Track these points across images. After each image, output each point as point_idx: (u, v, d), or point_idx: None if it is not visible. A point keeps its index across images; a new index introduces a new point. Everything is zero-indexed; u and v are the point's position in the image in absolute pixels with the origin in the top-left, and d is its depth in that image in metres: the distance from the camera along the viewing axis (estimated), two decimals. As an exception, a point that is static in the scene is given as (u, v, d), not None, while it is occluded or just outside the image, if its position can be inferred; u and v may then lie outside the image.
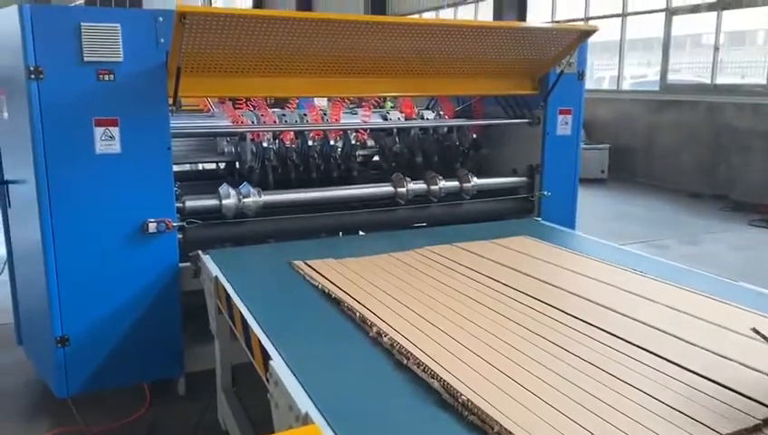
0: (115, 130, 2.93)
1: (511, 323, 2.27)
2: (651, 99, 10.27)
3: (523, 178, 4.05)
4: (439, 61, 3.57)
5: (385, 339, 2.10)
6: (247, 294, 2.55)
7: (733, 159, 8.96)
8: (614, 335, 2.14)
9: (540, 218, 3.98)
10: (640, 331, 2.19)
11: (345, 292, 2.55)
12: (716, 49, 9.25)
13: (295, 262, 2.94)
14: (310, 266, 2.89)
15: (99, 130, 2.90)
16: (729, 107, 9.00)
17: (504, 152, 4.29)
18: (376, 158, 4.44)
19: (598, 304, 2.45)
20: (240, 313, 2.39)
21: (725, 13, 9.14)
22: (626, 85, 11.37)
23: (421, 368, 1.88)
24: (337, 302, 2.47)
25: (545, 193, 3.98)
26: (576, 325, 2.25)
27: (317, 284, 2.67)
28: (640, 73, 11.94)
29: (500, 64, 3.75)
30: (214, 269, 2.89)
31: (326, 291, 2.58)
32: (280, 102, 4.39)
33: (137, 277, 3.10)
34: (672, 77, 10.16)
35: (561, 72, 3.77)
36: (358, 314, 2.31)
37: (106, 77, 2.87)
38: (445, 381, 1.79)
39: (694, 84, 10.09)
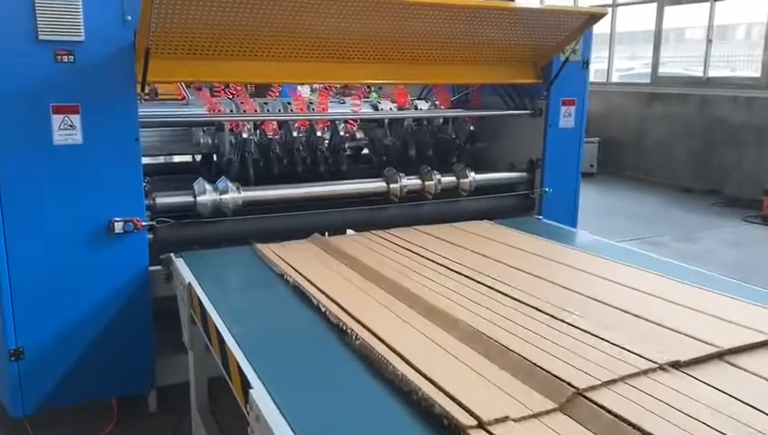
0: (76, 119, 2.63)
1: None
2: (642, 91, 10.07)
3: (524, 174, 3.78)
4: (435, 45, 3.28)
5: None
6: (225, 306, 2.26)
7: (725, 153, 8.79)
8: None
9: (541, 217, 3.71)
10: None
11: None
12: (709, 41, 9.07)
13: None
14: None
15: (57, 119, 2.60)
16: (722, 100, 8.83)
17: (502, 146, 4.02)
18: (365, 151, 4.15)
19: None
20: (216, 328, 2.10)
21: (718, 4, 8.95)
22: (614, 78, 11.15)
23: None
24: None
25: (547, 189, 3.71)
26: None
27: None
28: (625, 67, 11.76)
29: (500, 50, 3.47)
30: (187, 275, 2.60)
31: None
32: (261, 90, 4.08)
33: (102, 283, 2.81)
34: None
35: (567, 59, 3.49)
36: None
37: (65, 58, 2.56)
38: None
39: (685, 77, 9.90)
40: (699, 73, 9.41)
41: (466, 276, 2.54)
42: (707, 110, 9.03)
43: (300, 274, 2.54)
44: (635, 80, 10.77)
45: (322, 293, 2.32)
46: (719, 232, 6.94)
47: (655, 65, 9.92)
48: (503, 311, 2.16)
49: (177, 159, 4.22)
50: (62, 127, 2.61)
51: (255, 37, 2.87)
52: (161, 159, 4.22)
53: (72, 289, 2.75)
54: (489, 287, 2.41)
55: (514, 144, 3.91)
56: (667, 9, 9.69)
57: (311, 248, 2.96)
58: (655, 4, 9.78)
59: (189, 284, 2.49)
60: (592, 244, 3.26)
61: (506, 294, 2.32)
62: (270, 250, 2.86)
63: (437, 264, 2.71)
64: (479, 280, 2.49)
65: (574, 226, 3.84)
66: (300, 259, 2.73)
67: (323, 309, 2.18)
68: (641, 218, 7.49)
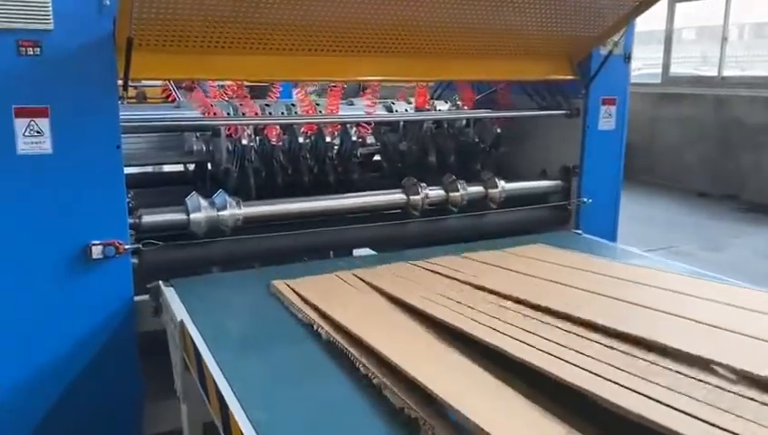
0: (44, 123, 2.22)
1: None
2: (652, 92, 9.70)
3: (558, 182, 3.37)
4: (456, 36, 2.85)
5: None
6: (226, 353, 1.83)
7: (743, 156, 8.41)
8: None
9: (580, 231, 3.30)
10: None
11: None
12: (725, 39, 8.70)
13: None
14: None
15: (21, 123, 2.19)
16: (738, 100, 8.45)
17: (532, 150, 3.61)
18: (376, 157, 3.74)
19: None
20: (215, 384, 1.67)
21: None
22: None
23: None
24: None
25: (586, 200, 3.30)
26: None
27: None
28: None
29: (531, 42, 3.05)
30: (179, 310, 2.17)
31: None
32: (259, 91, 3.65)
33: (78, 317, 2.39)
34: (657, 71, 9.67)
35: (610, 52, 3.09)
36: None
37: (30, 50, 2.16)
38: None
39: (699, 77, 9.54)
40: (705, 73, 9.08)
41: (564, 318, 1.88)
42: (723, 111, 8.65)
43: (334, 323, 1.92)
44: (641, 80, 10.41)
45: (374, 355, 1.70)
46: (747, 240, 6.55)
47: (666, 65, 9.57)
48: (653, 377, 1.51)
49: (166, 168, 3.80)
50: (27, 133, 2.20)
51: (258, 26, 2.46)
52: (149, 169, 3.80)
53: (43, 325, 2.34)
54: (602, 332, 1.76)
55: (546, 149, 3.49)
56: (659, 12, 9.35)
57: (339, 284, 2.37)
58: (666, 2, 9.40)
59: (182, 322, 2.06)
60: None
61: (637, 342, 1.68)
62: (288, 288, 2.29)
63: (522, 304, 2.02)
64: (586, 321, 1.83)
65: (614, 240, 3.43)
66: (330, 302, 2.10)
67: (377, 382, 1.60)
68: (662, 225, 7.09)
